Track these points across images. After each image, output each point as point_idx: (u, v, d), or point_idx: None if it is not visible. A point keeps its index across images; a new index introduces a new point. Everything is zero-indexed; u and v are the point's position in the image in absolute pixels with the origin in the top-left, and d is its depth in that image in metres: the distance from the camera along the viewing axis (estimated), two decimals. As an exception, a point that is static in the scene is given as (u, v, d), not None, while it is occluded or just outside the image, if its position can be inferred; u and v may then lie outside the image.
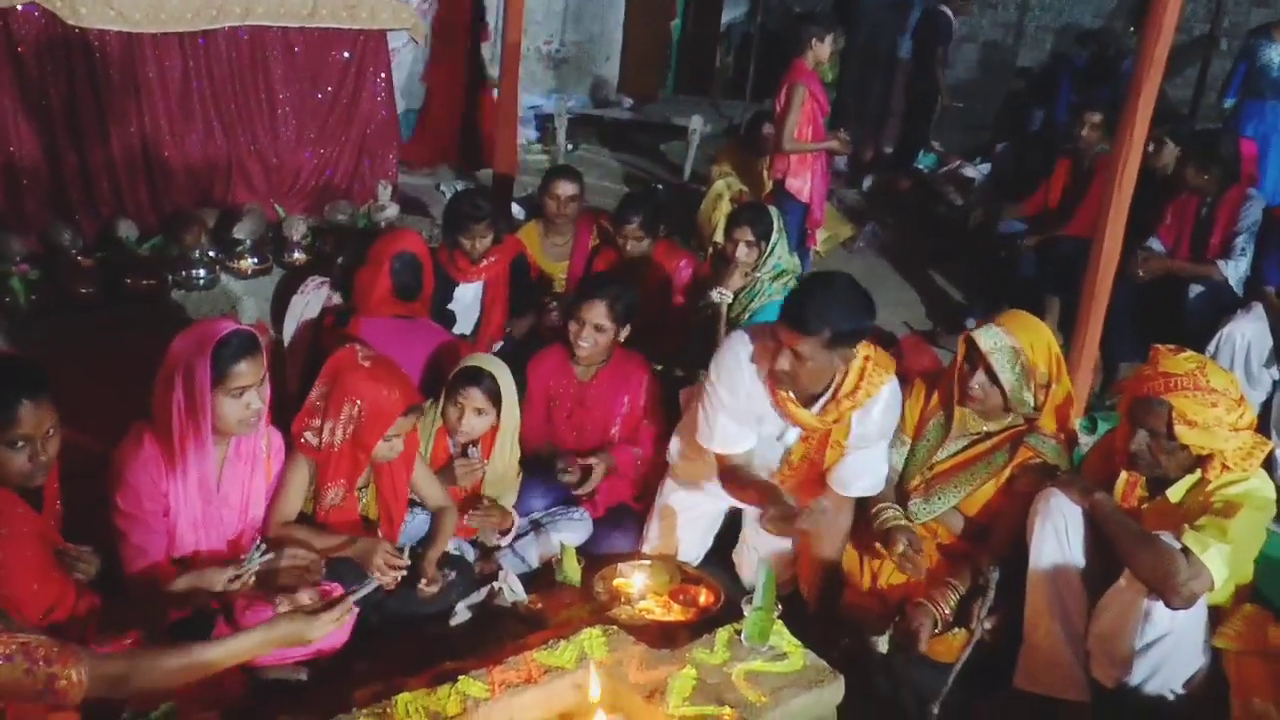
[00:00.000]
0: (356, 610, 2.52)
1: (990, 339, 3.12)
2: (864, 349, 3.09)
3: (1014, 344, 3.11)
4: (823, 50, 6.02)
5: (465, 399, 3.41)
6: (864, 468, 3.23)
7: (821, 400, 3.13)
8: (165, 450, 2.82)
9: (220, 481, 2.94)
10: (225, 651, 2.27)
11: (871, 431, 3.18)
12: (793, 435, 3.25)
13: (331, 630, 2.40)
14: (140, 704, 2.58)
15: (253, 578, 2.81)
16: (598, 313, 3.70)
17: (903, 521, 3.23)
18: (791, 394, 3.11)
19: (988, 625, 3.00)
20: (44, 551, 2.54)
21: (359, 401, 3.06)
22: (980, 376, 3.14)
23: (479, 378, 3.42)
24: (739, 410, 3.19)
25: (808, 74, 5.93)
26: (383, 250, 4.07)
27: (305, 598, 2.80)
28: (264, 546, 2.87)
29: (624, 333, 3.78)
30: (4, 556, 2.38)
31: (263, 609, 2.79)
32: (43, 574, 2.51)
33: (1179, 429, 2.75)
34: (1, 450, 2.38)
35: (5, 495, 2.44)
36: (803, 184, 5.96)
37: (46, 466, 2.47)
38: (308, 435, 3.10)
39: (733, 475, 3.23)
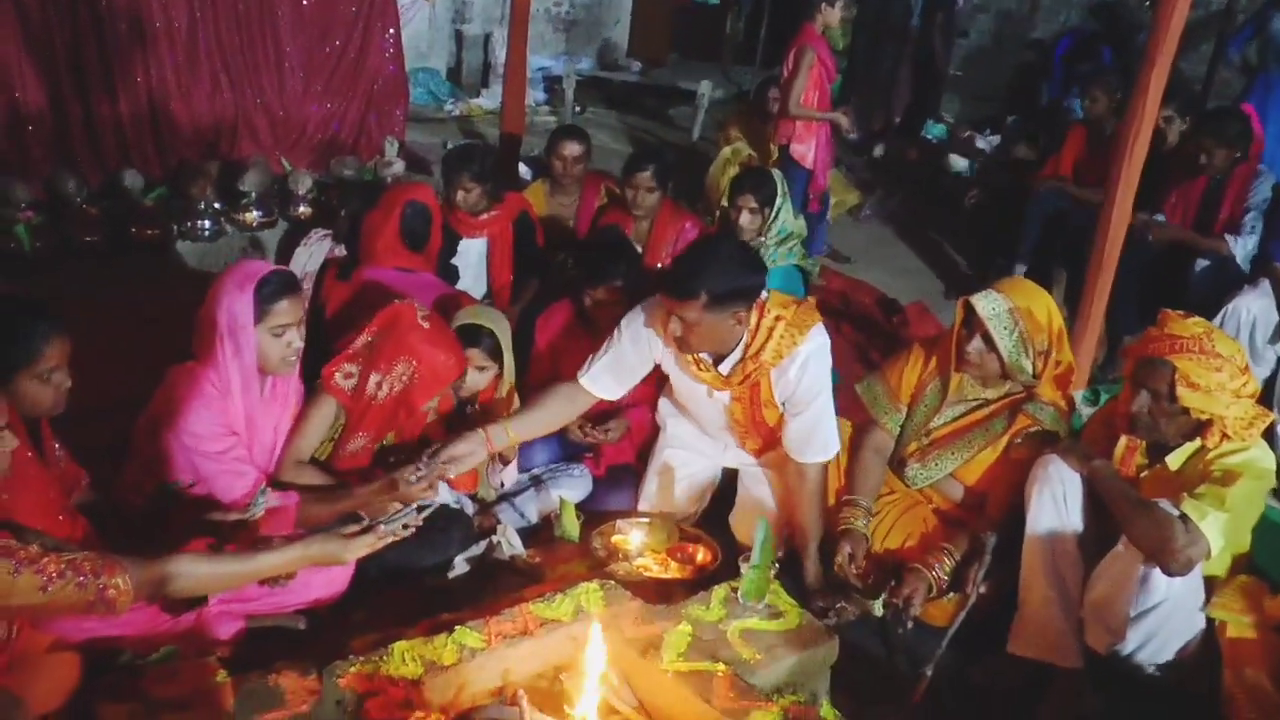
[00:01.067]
0: (391, 538, 2.50)
1: (989, 304, 3.10)
2: (777, 308, 3.11)
3: (1013, 310, 3.10)
4: (832, 15, 6.01)
5: (468, 358, 3.42)
6: (809, 432, 3.22)
7: (729, 361, 3.16)
8: (218, 383, 2.87)
9: (258, 427, 2.98)
10: (262, 563, 2.40)
11: (797, 393, 3.17)
12: (723, 394, 3.27)
13: (364, 553, 2.46)
14: (139, 649, 2.61)
15: (258, 521, 2.84)
16: (606, 292, 3.74)
17: (858, 525, 3.24)
18: (701, 356, 3.15)
19: (982, 590, 3.02)
20: (49, 490, 2.57)
21: (415, 362, 3.09)
22: (977, 342, 3.13)
23: (478, 337, 3.41)
24: (627, 365, 3.26)
25: (816, 39, 5.93)
26: (396, 196, 4.08)
27: None
28: (269, 491, 2.89)
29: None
30: (14, 498, 2.41)
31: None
32: (49, 513, 2.53)
33: (1181, 391, 2.75)
34: (32, 385, 2.45)
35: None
36: (807, 150, 6.00)
37: (66, 397, 2.53)
38: (339, 378, 3.11)
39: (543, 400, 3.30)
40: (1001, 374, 3.18)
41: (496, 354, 3.43)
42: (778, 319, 3.11)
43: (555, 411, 3.31)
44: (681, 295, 2.96)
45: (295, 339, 2.91)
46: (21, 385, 2.44)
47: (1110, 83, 5.88)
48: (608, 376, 3.26)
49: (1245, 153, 4.98)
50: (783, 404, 3.23)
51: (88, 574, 2.06)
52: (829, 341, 3.21)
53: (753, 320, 3.10)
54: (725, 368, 3.17)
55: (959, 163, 8.02)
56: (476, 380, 3.44)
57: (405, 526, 2.53)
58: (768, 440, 3.38)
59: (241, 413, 2.93)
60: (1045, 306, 3.17)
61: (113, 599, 2.09)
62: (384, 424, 3.18)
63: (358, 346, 3.15)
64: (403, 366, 3.10)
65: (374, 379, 3.10)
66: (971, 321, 3.15)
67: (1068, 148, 5.93)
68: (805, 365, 3.14)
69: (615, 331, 3.27)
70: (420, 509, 2.70)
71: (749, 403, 3.27)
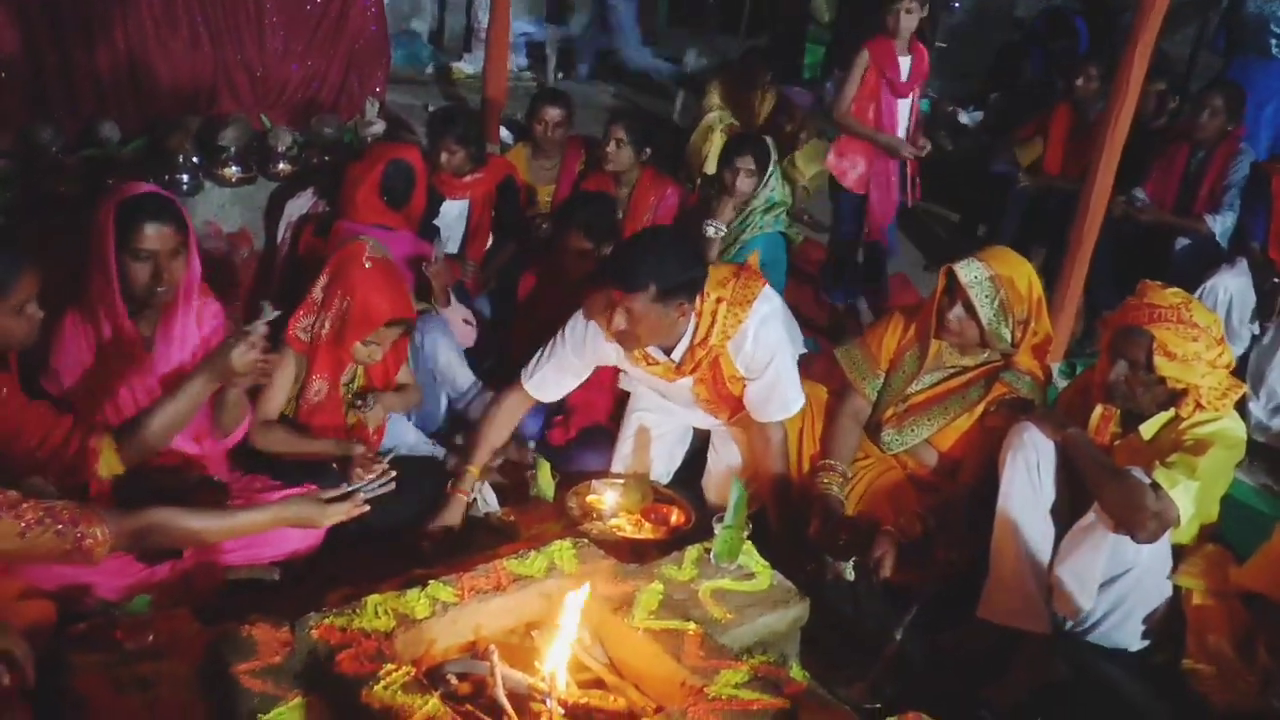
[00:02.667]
0: (367, 506, 2.55)
1: (970, 272, 3.12)
2: (715, 290, 3.12)
3: (994, 279, 3.12)
4: (908, 20, 5.03)
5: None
6: (767, 393, 3.26)
7: (679, 349, 3.17)
8: (88, 327, 2.81)
9: (153, 361, 2.88)
10: (239, 521, 2.47)
11: (754, 362, 3.20)
12: (685, 379, 3.27)
13: (340, 520, 2.52)
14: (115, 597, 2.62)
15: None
16: (577, 238, 3.74)
17: (833, 490, 3.26)
18: (649, 350, 3.15)
19: (953, 556, 3.04)
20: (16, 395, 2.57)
21: (349, 299, 3.08)
22: (958, 309, 3.15)
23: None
24: (570, 368, 3.29)
25: (879, 42, 5.13)
26: (383, 151, 4.12)
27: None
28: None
29: (607, 248, 3.77)
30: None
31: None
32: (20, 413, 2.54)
33: (1158, 360, 2.77)
34: (7, 318, 2.43)
35: None
36: (848, 167, 5.21)
37: (38, 325, 2.52)
38: (299, 331, 3.11)
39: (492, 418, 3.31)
40: (981, 342, 3.20)
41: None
42: (718, 300, 3.12)
43: (505, 423, 3.36)
44: (630, 287, 2.95)
45: (172, 270, 2.77)
46: None
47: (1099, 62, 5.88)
48: (551, 381, 3.30)
49: (1240, 119, 5.02)
50: (744, 372, 3.24)
51: (66, 522, 2.08)
52: (778, 303, 3.24)
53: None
54: (676, 356, 3.18)
55: (972, 116, 8.05)
56: (372, 353, 3.31)
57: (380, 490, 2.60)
58: (736, 408, 3.39)
59: (119, 349, 2.82)
60: (1026, 276, 3.19)
61: (89, 548, 2.11)
62: (332, 367, 3.19)
63: (313, 294, 3.15)
64: (339, 303, 3.11)
65: (320, 318, 3.14)
66: (953, 289, 3.16)
67: (1055, 124, 5.92)
68: (757, 336, 3.17)
69: (558, 335, 3.28)
70: (390, 468, 2.75)
71: (712, 381, 3.27)
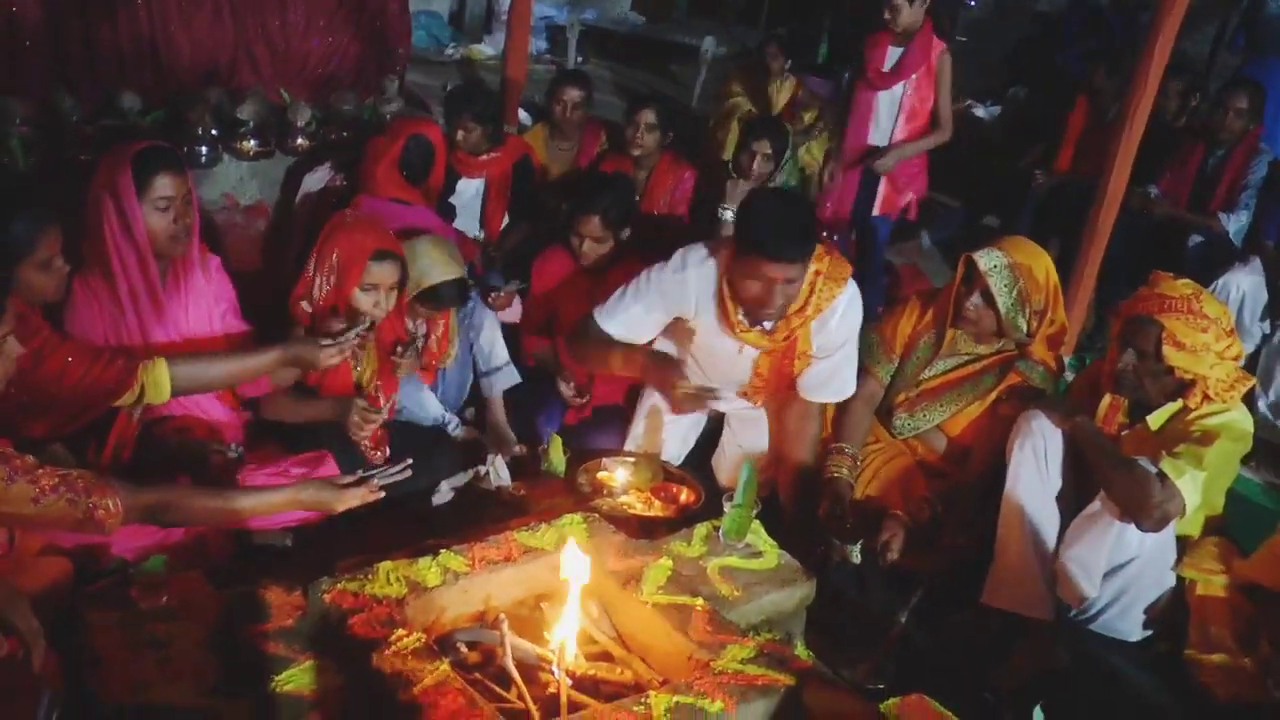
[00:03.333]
0: (383, 493, 2.59)
1: (990, 260, 3.13)
2: (816, 262, 3.11)
3: (1013, 268, 3.13)
4: (902, 12, 4.68)
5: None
6: (831, 374, 3.27)
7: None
8: (102, 287, 2.87)
9: (167, 313, 2.97)
10: (254, 502, 2.50)
11: (832, 340, 3.22)
12: (753, 349, 3.27)
13: (355, 505, 2.55)
14: (132, 556, 2.65)
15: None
16: (593, 226, 3.74)
17: (844, 474, 3.26)
18: (740, 318, 3.13)
19: (960, 541, 3.06)
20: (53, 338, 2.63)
21: (335, 252, 3.13)
22: (976, 298, 3.17)
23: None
24: (652, 318, 3.25)
25: (874, 34, 4.84)
26: (403, 126, 4.15)
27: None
28: (239, 448, 3.01)
29: (624, 233, 3.80)
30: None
31: (260, 476, 2.88)
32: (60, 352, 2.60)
33: (1167, 350, 2.79)
34: (35, 274, 2.52)
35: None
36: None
37: (65, 279, 2.63)
38: (303, 304, 3.14)
39: (606, 347, 3.24)
40: (997, 331, 3.22)
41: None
42: (816, 273, 3.11)
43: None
44: (803, 254, 2.97)
45: (184, 215, 2.90)
46: (26, 276, 2.50)
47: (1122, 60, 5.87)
48: (624, 321, 3.25)
49: (1261, 118, 5.02)
50: (818, 350, 3.24)
51: (80, 492, 2.11)
52: (858, 289, 3.25)
53: None
54: (769, 324, 3.15)
55: (989, 110, 8.04)
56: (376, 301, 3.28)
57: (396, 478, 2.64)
58: (779, 389, 3.37)
59: (146, 299, 2.91)
60: (1045, 266, 3.21)
61: (101, 519, 2.15)
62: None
63: (308, 267, 3.23)
64: (328, 261, 3.17)
65: (316, 284, 3.19)
66: (972, 277, 3.18)
67: (1074, 117, 5.91)
68: (844, 314, 3.18)
69: (643, 280, 3.22)
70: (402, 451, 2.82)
71: (781, 355, 3.25)
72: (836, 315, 3.16)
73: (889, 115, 4.80)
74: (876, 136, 4.86)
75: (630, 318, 3.24)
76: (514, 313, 3.95)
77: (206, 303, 3.09)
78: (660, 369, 3.16)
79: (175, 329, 3.00)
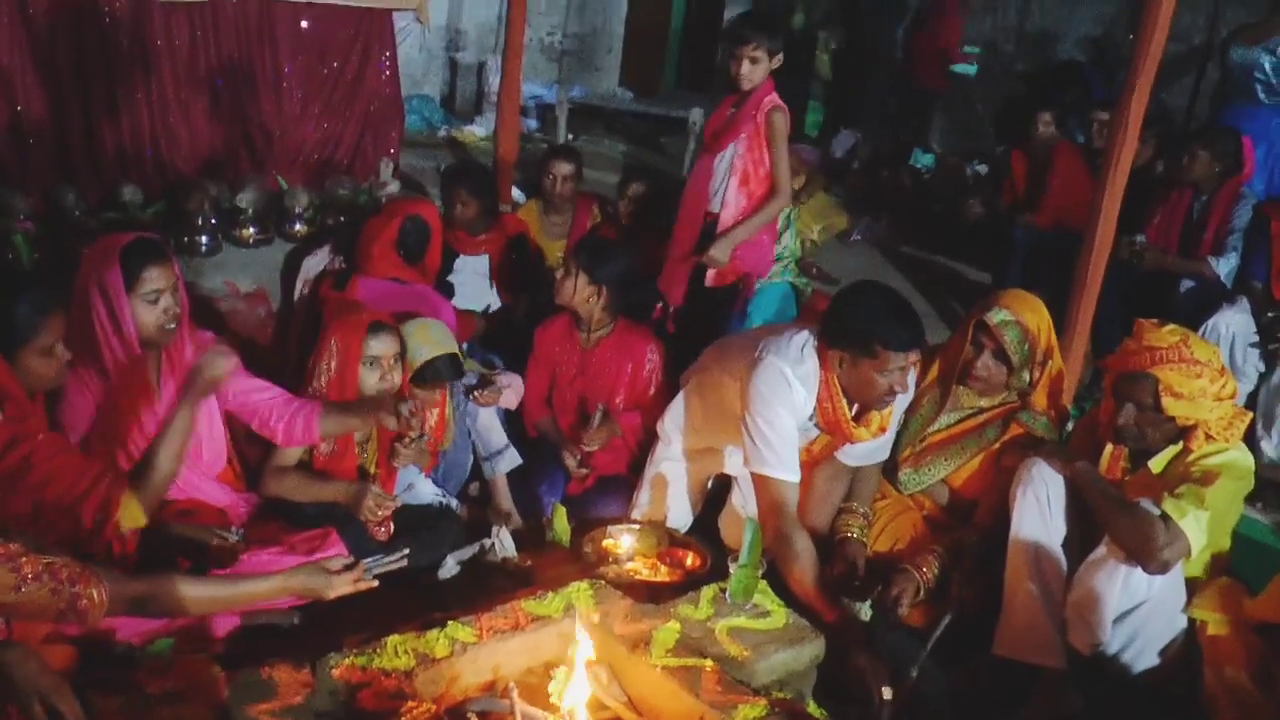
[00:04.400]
0: (376, 582, 2.58)
1: (1000, 318, 3.17)
2: None
3: (1022, 323, 3.18)
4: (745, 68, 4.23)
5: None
6: (885, 442, 3.28)
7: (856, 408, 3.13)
8: (93, 379, 2.88)
9: (161, 400, 2.98)
10: (243, 590, 2.48)
11: (898, 413, 3.27)
12: (814, 431, 3.25)
13: (346, 592, 2.53)
14: (138, 641, 2.64)
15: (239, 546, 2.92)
16: (570, 261, 3.83)
17: (856, 533, 3.26)
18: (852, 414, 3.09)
19: (967, 595, 3.05)
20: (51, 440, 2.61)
21: (334, 339, 3.19)
22: (987, 357, 3.20)
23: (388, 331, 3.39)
24: (793, 435, 3.10)
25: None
26: (400, 206, 4.21)
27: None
28: (241, 532, 2.98)
29: (601, 293, 3.83)
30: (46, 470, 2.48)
31: (263, 556, 2.88)
32: (53, 459, 2.56)
33: (1166, 401, 2.81)
34: (37, 360, 2.52)
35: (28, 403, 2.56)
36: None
37: (66, 366, 2.61)
38: (311, 389, 3.18)
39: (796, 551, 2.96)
40: (1005, 385, 3.25)
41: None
42: None
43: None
44: (919, 343, 3.00)
45: (171, 304, 2.90)
46: (26, 361, 2.50)
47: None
48: (790, 458, 3.07)
49: (1241, 166, 5.07)
50: (894, 423, 3.25)
51: (63, 581, 2.07)
52: None
53: None
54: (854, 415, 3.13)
55: (978, 170, 8.14)
56: (381, 378, 3.32)
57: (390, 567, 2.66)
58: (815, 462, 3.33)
59: (129, 401, 2.92)
60: (1046, 317, 3.26)
61: (84, 609, 2.10)
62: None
63: (311, 362, 3.31)
64: (329, 348, 3.25)
65: (319, 371, 3.26)
66: (980, 338, 3.21)
67: (1015, 171, 6.14)
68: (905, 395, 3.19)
69: (756, 423, 3.04)
70: (403, 536, 2.84)
71: (845, 438, 3.19)
72: (902, 397, 3.16)
73: (723, 181, 4.32)
74: (713, 203, 4.36)
75: (791, 452, 3.08)
76: (514, 398, 3.95)
77: None
78: None
79: (165, 414, 2.97)
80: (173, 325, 2.93)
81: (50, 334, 2.52)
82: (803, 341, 3.09)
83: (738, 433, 3.18)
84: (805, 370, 3.06)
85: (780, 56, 4.22)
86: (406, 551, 2.72)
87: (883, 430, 3.19)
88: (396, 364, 3.30)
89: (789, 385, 3.03)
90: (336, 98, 6.12)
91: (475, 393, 3.75)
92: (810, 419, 3.13)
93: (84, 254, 2.93)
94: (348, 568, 2.55)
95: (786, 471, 3.04)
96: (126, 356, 2.88)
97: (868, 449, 3.26)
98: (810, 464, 3.29)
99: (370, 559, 2.66)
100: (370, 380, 3.22)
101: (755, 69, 4.17)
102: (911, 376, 3.07)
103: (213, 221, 5.21)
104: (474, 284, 4.74)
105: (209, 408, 3.10)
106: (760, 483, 3.07)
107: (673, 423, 3.59)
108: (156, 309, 2.88)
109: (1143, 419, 2.89)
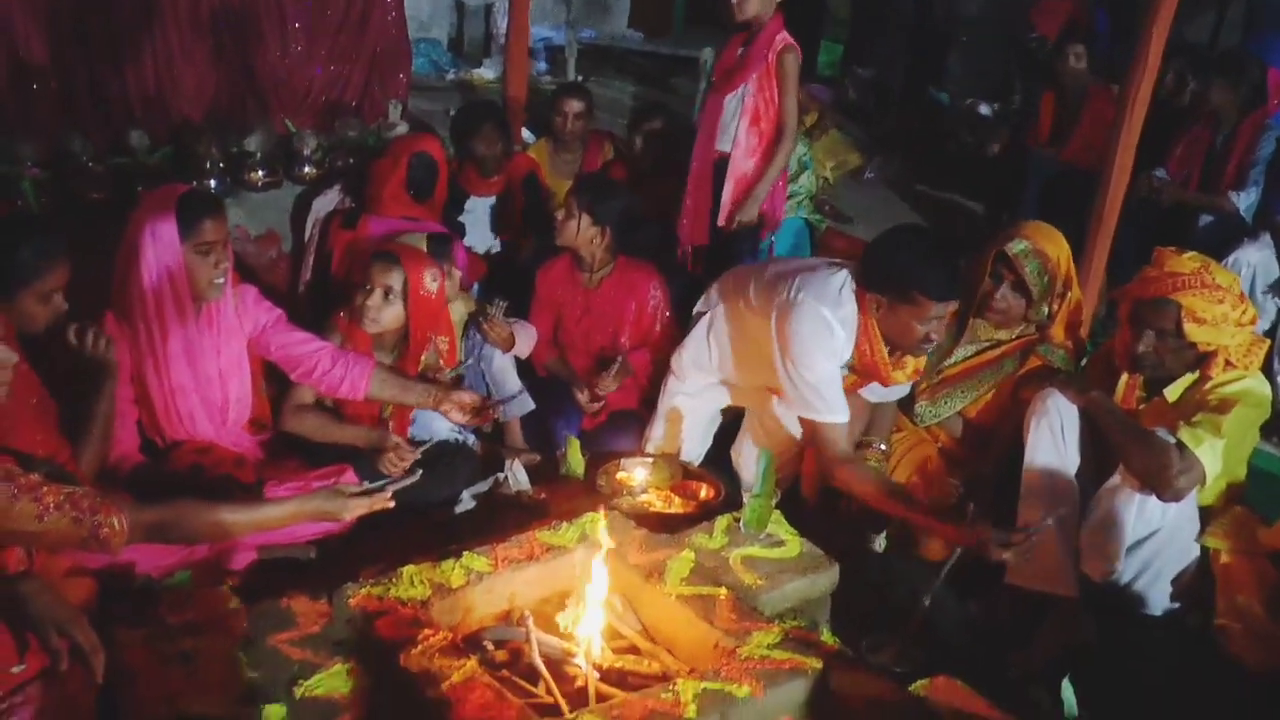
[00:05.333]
0: (391, 501, 2.59)
1: (1021, 248, 3.15)
2: None
3: (1043, 254, 3.15)
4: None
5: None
6: (902, 385, 3.28)
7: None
8: (129, 330, 2.88)
9: (202, 355, 2.99)
10: (261, 514, 2.47)
11: None
12: (844, 372, 3.21)
13: (363, 514, 2.54)
14: (157, 574, 2.67)
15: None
16: (570, 202, 3.79)
17: (873, 465, 3.23)
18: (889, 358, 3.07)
19: (983, 523, 3.04)
20: (41, 405, 2.59)
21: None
22: (1006, 289, 3.18)
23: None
24: (837, 376, 3.05)
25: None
26: (404, 146, 4.16)
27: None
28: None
29: (604, 234, 3.81)
30: (13, 405, 2.42)
31: (281, 492, 2.89)
32: (45, 428, 2.56)
33: (1188, 327, 2.79)
34: (32, 304, 2.51)
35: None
36: None
37: (63, 316, 2.59)
38: (341, 315, 3.35)
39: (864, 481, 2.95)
40: (1023, 317, 3.23)
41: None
42: None
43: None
44: (957, 293, 2.96)
45: (222, 258, 2.91)
46: (22, 303, 2.50)
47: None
48: (839, 397, 3.03)
49: (1264, 96, 4.99)
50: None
51: (84, 510, 2.08)
52: None
53: None
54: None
55: (992, 108, 8.06)
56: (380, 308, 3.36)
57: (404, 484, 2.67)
58: None
59: (179, 345, 2.93)
60: (1064, 248, 3.25)
61: (106, 538, 2.11)
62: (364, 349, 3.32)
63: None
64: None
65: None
66: (999, 270, 3.18)
67: (1043, 111, 6.02)
68: None
69: (799, 370, 2.98)
70: (420, 461, 2.90)
71: (882, 381, 3.19)
72: None
73: (733, 120, 4.29)
74: (723, 142, 4.34)
75: (838, 393, 3.03)
76: (526, 346, 3.92)
77: (239, 341, 3.11)
78: None
79: (205, 369, 3.02)
80: (221, 280, 2.94)
81: (51, 280, 2.51)
82: (840, 282, 3.02)
83: (760, 367, 3.18)
84: (845, 313, 3.01)
85: None
86: (420, 471, 2.73)
87: (917, 373, 3.18)
88: (393, 295, 3.33)
89: (830, 329, 2.98)
90: (343, 41, 6.03)
91: (482, 321, 3.68)
92: (847, 362, 3.09)
93: (137, 208, 2.90)
94: (364, 492, 2.56)
95: (836, 414, 3.00)
96: (174, 307, 2.88)
97: (891, 388, 3.25)
98: None
99: (383, 480, 2.68)
100: (371, 307, 3.30)
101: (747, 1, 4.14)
102: (938, 329, 3.00)
103: (221, 166, 5.17)
104: (483, 224, 4.72)
105: (240, 367, 3.11)
106: (811, 429, 3.03)
107: (690, 357, 3.55)
108: (208, 262, 2.88)
109: (1162, 346, 2.87)
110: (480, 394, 3.39)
